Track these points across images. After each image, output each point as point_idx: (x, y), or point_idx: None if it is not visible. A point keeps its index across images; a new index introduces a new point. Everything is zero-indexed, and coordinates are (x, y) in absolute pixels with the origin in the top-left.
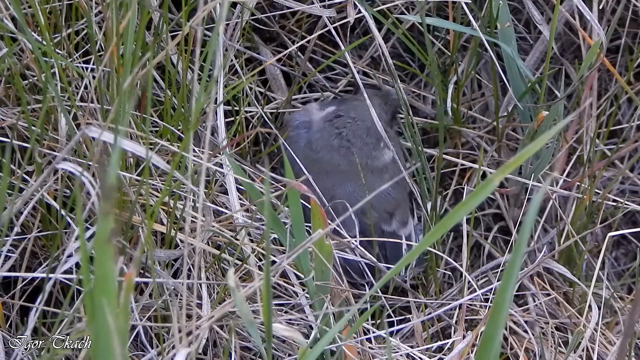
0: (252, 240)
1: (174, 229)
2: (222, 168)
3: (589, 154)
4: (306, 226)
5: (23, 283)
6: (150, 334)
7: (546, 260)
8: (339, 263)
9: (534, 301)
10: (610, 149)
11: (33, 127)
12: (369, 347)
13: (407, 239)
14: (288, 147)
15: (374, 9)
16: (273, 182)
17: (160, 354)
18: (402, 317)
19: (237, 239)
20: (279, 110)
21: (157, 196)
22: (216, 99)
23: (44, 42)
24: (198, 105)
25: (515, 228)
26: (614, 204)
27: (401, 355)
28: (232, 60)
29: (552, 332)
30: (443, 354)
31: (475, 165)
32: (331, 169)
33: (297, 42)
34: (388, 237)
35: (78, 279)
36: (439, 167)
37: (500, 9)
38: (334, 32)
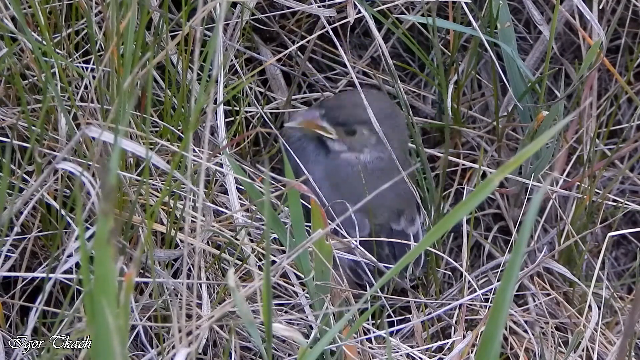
0: (252, 240)
1: (174, 229)
2: (222, 168)
3: (589, 154)
4: (307, 226)
5: (23, 283)
6: (150, 334)
7: (546, 260)
8: (346, 264)
9: (534, 301)
10: (610, 149)
11: (33, 127)
12: (369, 347)
13: (414, 236)
14: (293, 154)
15: (374, 9)
16: (273, 182)
17: (160, 354)
18: (402, 317)
19: (237, 239)
20: (280, 111)
21: (157, 196)
22: (216, 99)
23: (44, 42)
24: (198, 105)
25: (515, 228)
26: (614, 204)
27: (401, 355)
28: (232, 60)
29: (552, 332)
30: (443, 354)
31: (476, 165)
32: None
33: (297, 42)
34: (396, 235)
35: (78, 279)
36: (445, 167)
37: (500, 9)
38: (331, 33)
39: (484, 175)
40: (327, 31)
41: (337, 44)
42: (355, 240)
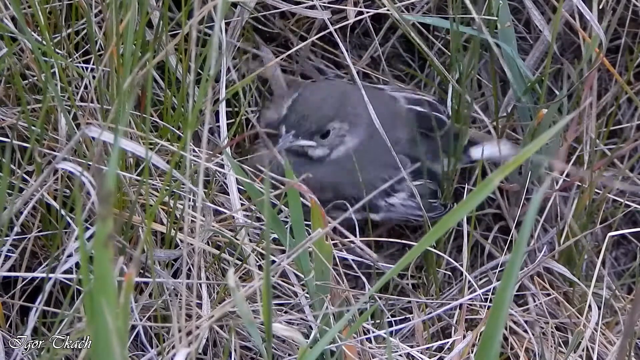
0: (251, 240)
1: (174, 229)
2: (222, 168)
3: (589, 154)
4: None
5: (23, 283)
6: (150, 334)
7: (546, 260)
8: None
9: (534, 301)
10: (610, 149)
11: (33, 127)
12: (369, 347)
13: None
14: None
15: (375, 10)
16: (273, 182)
17: (160, 354)
18: (402, 317)
19: (237, 239)
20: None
21: (157, 196)
22: (217, 98)
23: (44, 42)
24: (198, 104)
25: (515, 227)
26: (616, 198)
27: (401, 355)
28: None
29: (552, 332)
30: (443, 354)
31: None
32: None
33: (297, 43)
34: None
35: (78, 279)
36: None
37: (500, 9)
38: (334, 33)
39: (484, 174)
40: (326, 31)
41: (340, 43)
42: (356, 240)
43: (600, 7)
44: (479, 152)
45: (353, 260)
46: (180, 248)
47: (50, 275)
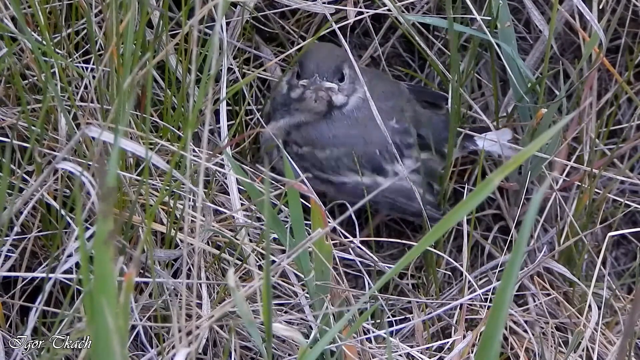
0: (251, 240)
1: (174, 229)
2: (222, 168)
3: (589, 154)
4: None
5: (23, 283)
6: (150, 334)
7: (546, 260)
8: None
9: (534, 301)
10: (610, 149)
11: (33, 127)
12: (369, 347)
13: None
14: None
15: (374, 10)
16: (273, 182)
17: (160, 353)
18: (402, 317)
19: (237, 239)
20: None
21: (157, 196)
22: (217, 98)
23: (44, 42)
24: (198, 103)
25: (515, 227)
26: (616, 198)
27: (401, 355)
28: (232, 60)
29: (552, 332)
30: (443, 354)
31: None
32: None
33: (297, 43)
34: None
35: (78, 279)
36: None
37: (500, 9)
38: (338, 31)
39: (484, 174)
40: (326, 31)
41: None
42: (356, 240)
43: (600, 7)
44: (482, 141)
45: (355, 260)
46: (180, 248)
47: (50, 275)
